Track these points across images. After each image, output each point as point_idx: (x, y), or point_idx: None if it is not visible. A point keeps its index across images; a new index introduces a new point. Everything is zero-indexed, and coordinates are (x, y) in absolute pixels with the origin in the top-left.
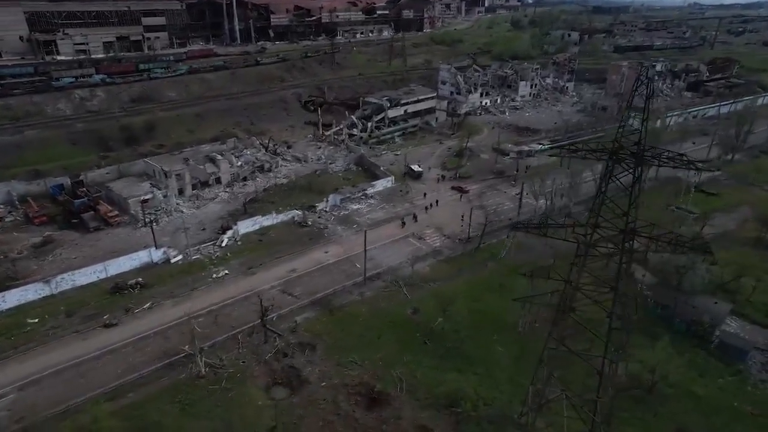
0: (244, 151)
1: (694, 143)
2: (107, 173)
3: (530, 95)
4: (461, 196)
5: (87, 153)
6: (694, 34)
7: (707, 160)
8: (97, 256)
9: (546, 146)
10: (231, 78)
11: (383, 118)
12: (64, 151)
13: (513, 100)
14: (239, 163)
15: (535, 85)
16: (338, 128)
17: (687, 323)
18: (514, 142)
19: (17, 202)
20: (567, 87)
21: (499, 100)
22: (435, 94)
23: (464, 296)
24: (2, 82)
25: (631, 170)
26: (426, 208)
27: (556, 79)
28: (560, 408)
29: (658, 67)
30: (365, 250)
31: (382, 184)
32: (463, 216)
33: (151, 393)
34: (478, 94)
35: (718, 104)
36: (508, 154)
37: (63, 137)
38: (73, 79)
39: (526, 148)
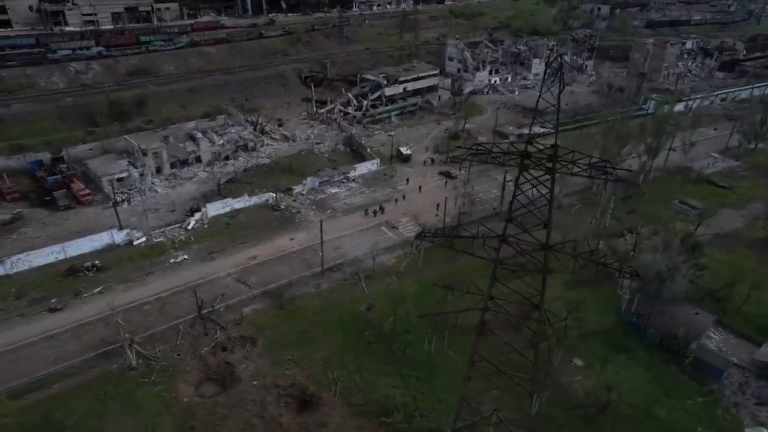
0: (229, 129)
1: (715, 129)
2: (90, 149)
3: (544, 73)
4: (446, 182)
5: (74, 128)
6: (740, 8)
7: (726, 150)
8: (61, 236)
9: (547, 130)
10: (232, 52)
11: (380, 96)
12: (50, 125)
13: (525, 78)
14: (221, 142)
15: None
16: (330, 107)
17: (661, 335)
18: (517, 125)
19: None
20: (586, 65)
21: (509, 79)
22: (437, 72)
23: (422, 293)
24: (1, 53)
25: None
26: (396, 200)
27: (574, 57)
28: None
29: (688, 45)
30: (322, 241)
31: (366, 167)
32: (438, 205)
33: (78, 384)
34: (486, 72)
35: (750, 86)
36: (507, 137)
37: (51, 111)
38: (70, 52)
39: (527, 131)
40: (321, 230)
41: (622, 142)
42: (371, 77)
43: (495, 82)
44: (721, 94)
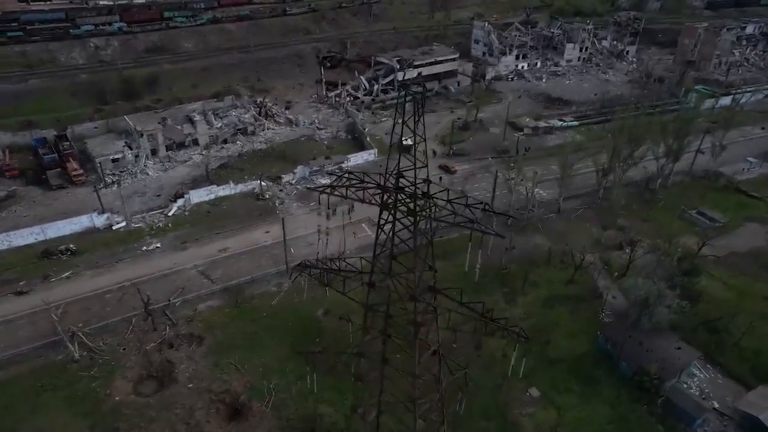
0: (230, 111)
1: (763, 128)
2: (95, 128)
3: (579, 60)
4: (441, 177)
5: (84, 105)
6: None
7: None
8: (48, 216)
9: (568, 122)
10: (253, 29)
11: (393, 81)
12: (62, 102)
13: (556, 64)
14: (219, 125)
15: (586, 48)
16: (337, 91)
17: (633, 370)
18: (536, 116)
19: (0, 153)
20: (627, 51)
21: (539, 64)
22: (456, 56)
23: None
24: (30, 27)
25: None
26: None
27: (615, 42)
28: None
29: (749, 29)
30: (285, 239)
31: (362, 157)
32: None
33: (19, 373)
34: (512, 57)
35: None
36: (522, 130)
37: (64, 88)
38: (93, 27)
39: (543, 124)
40: (283, 227)
41: (635, 142)
42: (385, 60)
43: (522, 67)
44: None
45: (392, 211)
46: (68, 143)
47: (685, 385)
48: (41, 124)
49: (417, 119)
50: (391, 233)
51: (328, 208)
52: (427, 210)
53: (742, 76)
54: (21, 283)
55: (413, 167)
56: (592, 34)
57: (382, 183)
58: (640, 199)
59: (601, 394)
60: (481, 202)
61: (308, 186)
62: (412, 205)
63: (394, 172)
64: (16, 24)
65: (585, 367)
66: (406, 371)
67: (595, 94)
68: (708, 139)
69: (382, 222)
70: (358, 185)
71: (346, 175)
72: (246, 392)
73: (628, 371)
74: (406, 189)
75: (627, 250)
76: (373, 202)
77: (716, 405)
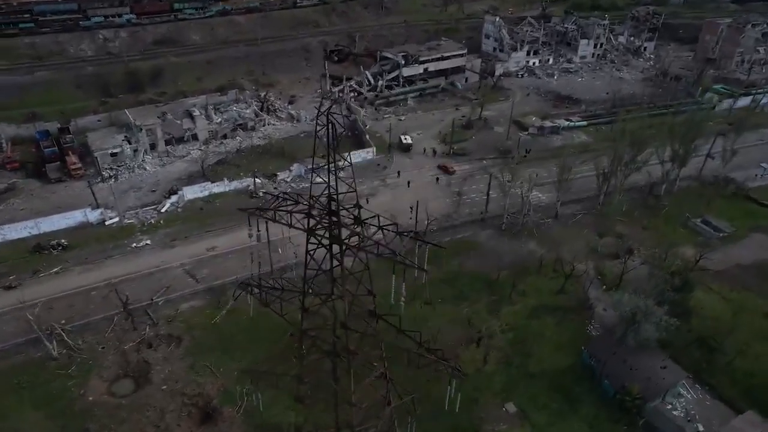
0: (231, 106)
1: None
2: (98, 121)
3: (593, 56)
4: (437, 178)
5: (89, 98)
6: None
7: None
8: (44, 209)
9: (575, 122)
10: (262, 21)
11: (398, 76)
12: (67, 94)
13: (569, 61)
14: (218, 120)
15: (601, 44)
16: (341, 86)
17: (616, 388)
18: (543, 115)
19: (5, 145)
20: (645, 48)
21: (551, 61)
22: (464, 52)
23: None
24: (42, 19)
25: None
26: (368, 199)
27: (632, 38)
28: None
29: None
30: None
31: (360, 156)
32: (412, 207)
33: (0, 369)
34: (523, 53)
35: None
36: (527, 129)
37: (70, 80)
38: (102, 19)
39: (549, 123)
40: (267, 229)
41: (638, 146)
42: (390, 55)
43: (533, 64)
44: None
45: (319, 238)
46: (70, 136)
47: (669, 406)
48: (46, 116)
49: (335, 144)
50: (329, 257)
51: (258, 230)
52: (355, 238)
53: (765, 75)
54: (11, 278)
55: (336, 190)
56: (608, 30)
57: (315, 205)
58: (643, 206)
59: (579, 412)
60: (412, 231)
61: (240, 207)
62: (336, 233)
63: (325, 194)
64: (28, 15)
65: (566, 382)
66: (343, 399)
67: (607, 93)
68: (720, 142)
69: (311, 248)
70: (285, 209)
71: (283, 195)
72: (219, 396)
73: (611, 389)
74: (339, 212)
75: (623, 260)
76: (299, 227)
77: (701, 429)
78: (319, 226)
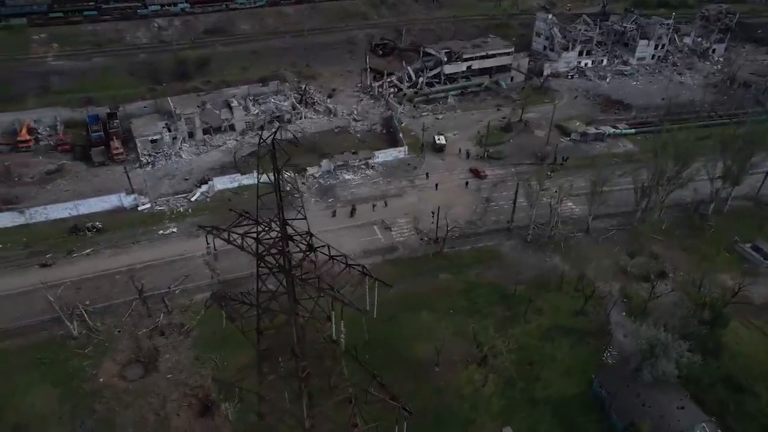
0: (270, 98)
1: None
2: (145, 107)
3: (653, 58)
4: (467, 182)
5: (139, 84)
6: None
7: None
8: (86, 191)
9: (621, 129)
10: (311, 12)
11: (439, 73)
12: (120, 80)
13: (625, 63)
14: (256, 111)
15: (663, 45)
16: (380, 82)
17: (624, 424)
18: (589, 120)
19: (59, 127)
20: (713, 50)
21: (604, 62)
22: (511, 50)
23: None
24: (105, 6)
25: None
26: (374, 205)
27: (699, 39)
28: None
29: None
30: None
31: (391, 155)
32: (433, 212)
33: (24, 345)
34: (575, 52)
35: None
36: (569, 135)
37: (124, 67)
38: (159, 8)
39: (593, 129)
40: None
41: (683, 160)
42: (433, 52)
43: (585, 65)
44: None
45: (268, 265)
46: (116, 121)
47: None
48: (99, 101)
49: (276, 170)
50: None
51: (215, 249)
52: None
53: None
54: (47, 256)
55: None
56: (671, 30)
57: (268, 227)
58: (686, 225)
59: None
60: (360, 265)
61: (199, 224)
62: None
63: (278, 218)
64: (93, 3)
65: (571, 412)
66: (299, 422)
67: (663, 99)
68: None
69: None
70: (236, 232)
71: (245, 215)
72: (217, 391)
73: (619, 425)
74: (291, 236)
75: (652, 284)
76: (249, 251)
77: None
78: (266, 253)
